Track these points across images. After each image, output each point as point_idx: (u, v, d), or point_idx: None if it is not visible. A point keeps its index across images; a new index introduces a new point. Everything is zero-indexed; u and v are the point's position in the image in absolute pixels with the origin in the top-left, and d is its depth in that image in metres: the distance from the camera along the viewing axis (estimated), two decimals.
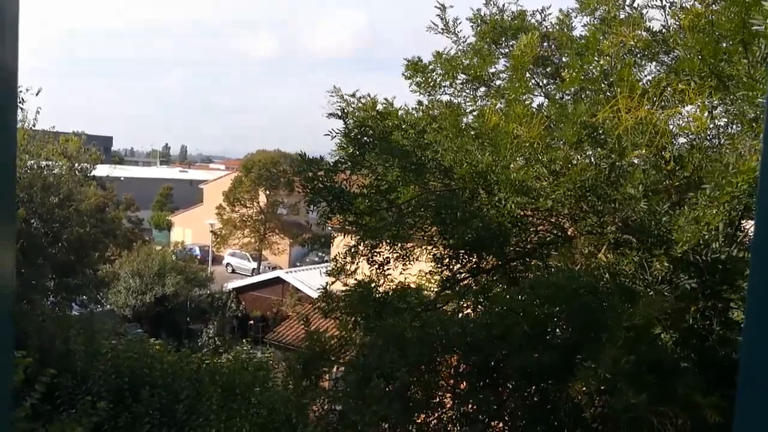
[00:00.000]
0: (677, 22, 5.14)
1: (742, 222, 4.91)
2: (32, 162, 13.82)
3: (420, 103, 6.33)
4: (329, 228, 6.37)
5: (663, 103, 4.91)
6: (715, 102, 4.93)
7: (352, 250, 5.63)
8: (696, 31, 4.55)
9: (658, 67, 5.59)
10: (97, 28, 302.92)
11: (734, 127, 5.39)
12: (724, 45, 4.56)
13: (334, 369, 5.94)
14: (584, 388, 3.94)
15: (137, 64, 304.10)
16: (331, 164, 5.54)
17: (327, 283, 5.98)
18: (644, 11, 5.50)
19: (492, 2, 6.35)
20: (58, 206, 13.54)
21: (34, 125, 13.91)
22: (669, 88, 4.82)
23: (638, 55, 5.49)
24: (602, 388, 3.88)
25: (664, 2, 5.33)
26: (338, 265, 5.86)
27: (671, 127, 4.78)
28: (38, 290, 13.67)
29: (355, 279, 5.76)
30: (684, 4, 5.28)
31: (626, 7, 5.55)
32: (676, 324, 4.52)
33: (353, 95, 5.80)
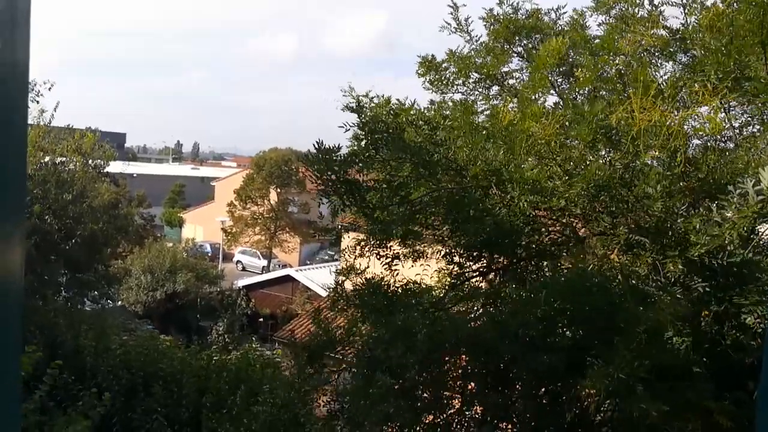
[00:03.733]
0: (696, 21, 5.08)
1: (759, 226, 4.85)
2: (47, 159, 13.93)
3: (432, 102, 6.32)
4: (339, 224, 6.37)
5: (678, 104, 4.86)
6: (732, 103, 4.87)
7: (362, 243, 5.62)
8: (715, 30, 4.49)
9: (675, 67, 5.54)
10: (114, 28, 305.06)
11: (751, 128, 5.33)
12: (743, 45, 4.50)
13: (341, 366, 5.94)
14: (593, 390, 3.90)
15: (153, 64, 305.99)
16: (345, 156, 5.52)
17: (337, 282, 5.98)
18: (662, 9, 5.44)
19: (506, 1, 6.33)
20: (72, 202, 13.63)
21: (50, 122, 14.03)
22: (685, 89, 4.77)
23: (655, 54, 5.44)
24: (612, 390, 3.84)
25: (683, 0, 5.27)
26: (348, 264, 5.86)
27: (686, 128, 4.73)
28: (51, 285, 13.78)
29: (365, 277, 5.75)
30: (703, 2, 5.22)
31: (644, 5, 5.49)
32: (688, 327, 4.47)
33: (366, 95, 5.79)
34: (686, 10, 5.31)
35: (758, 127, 4.96)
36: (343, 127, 5.47)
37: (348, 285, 5.95)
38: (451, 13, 6.20)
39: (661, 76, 5.49)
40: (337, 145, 5.35)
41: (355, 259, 5.78)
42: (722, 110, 4.84)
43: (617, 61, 5.20)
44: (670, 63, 5.60)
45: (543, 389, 5.05)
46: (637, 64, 4.94)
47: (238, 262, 43.29)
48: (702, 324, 4.67)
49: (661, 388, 3.93)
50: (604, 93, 5.53)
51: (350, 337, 5.76)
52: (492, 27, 6.37)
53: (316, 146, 5.22)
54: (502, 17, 6.34)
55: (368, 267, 5.78)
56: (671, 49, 5.43)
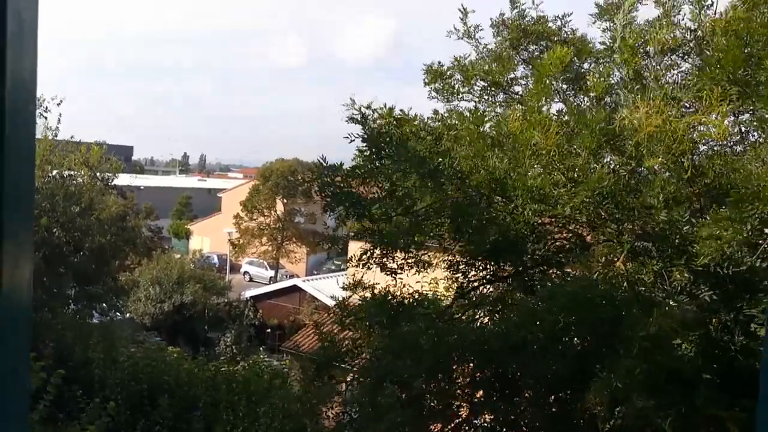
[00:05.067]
0: (707, 25, 5.06)
1: (765, 231, 4.81)
2: (55, 172, 14.03)
3: (436, 111, 6.35)
4: (346, 233, 6.38)
5: (684, 110, 4.85)
6: (739, 109, 4.85)
7: (367, 254, 5.64)
8: (726, 35, 4.47)
9: (682, 73, 5.53)
10: (119, 36, 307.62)
11: (757, 134, 5.30)
12: (756, 50, 4.47)
13: (348, 377, 5.94)
14: (598, 399, 3.89)
15: (161, 73, 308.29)
16: (349, 169, 5.55)
17: (343, 297, 5.99)
18: (673, 13, 5.42)
19: (516, 6, 6.37)
20: (80, 215, 13.70)
21: (56, 135, 14.14)
22: (691, 95, 4.75)
23: (665, 57, 5.43)
24: (614, 399, 3.82)
25: (694, 6, 5.25)
26: (354, 278, 5.87)
27: (693, 134, 4.72)
28: (60, 298, 13.82)
29: (372, 291, 5.76)
30: (714, 6, 5.20)
31: (655, 9, 5.48)
32: (696, 334, 4.44)
33: (368, 106, 5.81)
34: (699, 13, 5.28)
35: (762, 135, 4.94)
36: (348, 137, 5.51)
37: (354, 298, 5.96)
38: (461, 19, 6.24)
39: (667, 82, 5.48)
40: (339, 163, 5.41)
41: (362, 274, 5.79)
42: (731, 114, 4.82)
43: (626, 67, 5.18)
44: (678, 68, 5.58)
45: (552, 397, 5.02)
46: (644, 70, 4.94)
47: (245, 272, 43.33)
48: (711, 331, 4.64)
49: (669, 396, 3.91)
50: (608, 100, 5.53)
51: (357, 349, 5.76)
52: (501, 32, 6.41)
53: (320, 163, 5.27)
54: (511, 22, 6.38)
55: (375, 283, 5.79)
56: (681, 52, 5.41)
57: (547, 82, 5.32)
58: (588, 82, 5.39)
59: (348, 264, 6.06)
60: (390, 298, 5.55)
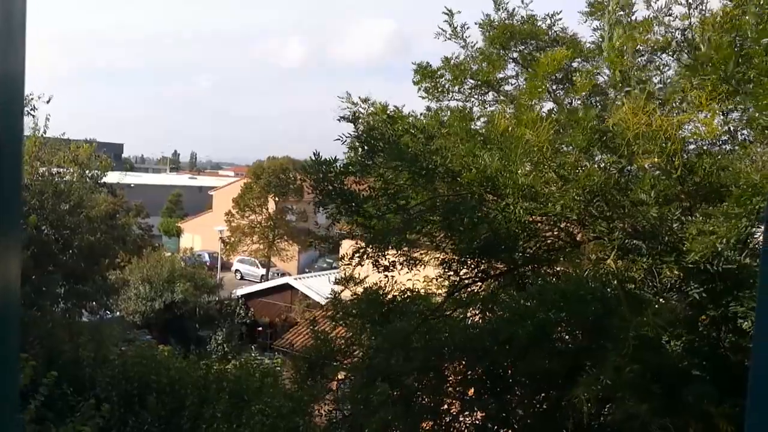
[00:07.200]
0: (698, 22, 5.08)
1: (754, 229, 4.85)
2: (44, 169, 13.91)
3: (428, 108, 6.34)
4: (337, 231, 6.38)
5: (675, 108, 4.87)
6: (729, 107, 4.87)
7: (360, 252, 5.63)
8: (718, 32, 4.49)
9: (673, 71, 5.56)
10: (113, 35, 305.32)
11: (747, 132, 5.34)
12: (748, 47, 4.49)
13: (341, 375, 5.94)
14: (586, 396, 3.90)
15: (151, 72, 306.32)
16: (342, 167, 5.54)
17: (335, 291, 5.98)
18: (665, 10, 5.44)
19: (501, 7, 6.37)
20: (69, 213, 13.60)
21: (44, 132, 14.00)
22: (681, 93, 4.78)
23: (656, 55, 5.45)
24: (603, 396, 3.84)
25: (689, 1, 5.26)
26: (346, 274, 5.86)
27: (683, 132, 4.74)
28: (49, 297, 13.71)
29: (364, 286, 5.75)
30: (706, 5, 5.22)
31: (649, 6, 5.50)
32: (686, 332, 4.47)
33: (365, 100, 5.80)
34: (689, 11, 5.30)
35: (751, 133, 4.97)
36: (339, 139, 5.50)
37: (346, 294, 5.96)
38: (446, 20, 6.23)
39: (659, 80, 5.50)
40: (333, 158, 5.38)
41: (353, 268, 5.78)
42: (720, 113, 4.84)
43: (616, 66, 5.20)
44: (670, 66, 5.61)
45: (542, 395, 5.05)
46: (634, 68, 4.95)
47: (236, 271, 43.23)
48: (700, 328, 4.67)
49: (655, 392, 3.93)
50: (599, 98, 5.55)
51: (350, 346, 5.76)
52: (488, 32, 6.41)
53: (314, 158, 5.25)
54: (497, 23, 6.38)
55: (367, 276, 5.78)
56: (671, 51, 5.44)
57: (541, 83, 5.32)
58: (575, 83, 5.40)
59: (340, 262, 6.05)
60: (381, 294, 5.56)
